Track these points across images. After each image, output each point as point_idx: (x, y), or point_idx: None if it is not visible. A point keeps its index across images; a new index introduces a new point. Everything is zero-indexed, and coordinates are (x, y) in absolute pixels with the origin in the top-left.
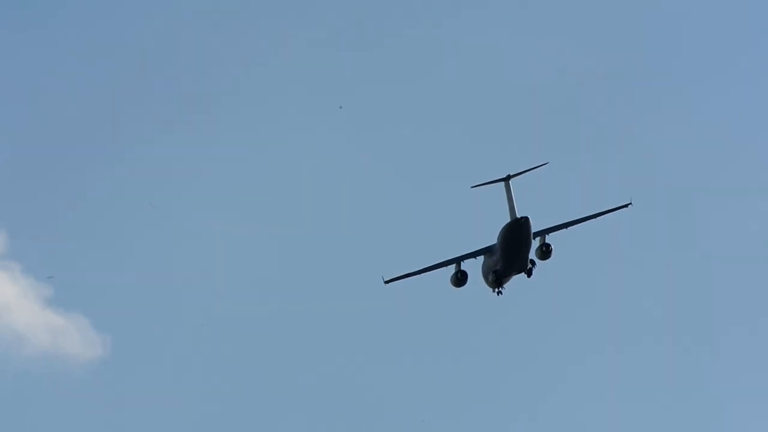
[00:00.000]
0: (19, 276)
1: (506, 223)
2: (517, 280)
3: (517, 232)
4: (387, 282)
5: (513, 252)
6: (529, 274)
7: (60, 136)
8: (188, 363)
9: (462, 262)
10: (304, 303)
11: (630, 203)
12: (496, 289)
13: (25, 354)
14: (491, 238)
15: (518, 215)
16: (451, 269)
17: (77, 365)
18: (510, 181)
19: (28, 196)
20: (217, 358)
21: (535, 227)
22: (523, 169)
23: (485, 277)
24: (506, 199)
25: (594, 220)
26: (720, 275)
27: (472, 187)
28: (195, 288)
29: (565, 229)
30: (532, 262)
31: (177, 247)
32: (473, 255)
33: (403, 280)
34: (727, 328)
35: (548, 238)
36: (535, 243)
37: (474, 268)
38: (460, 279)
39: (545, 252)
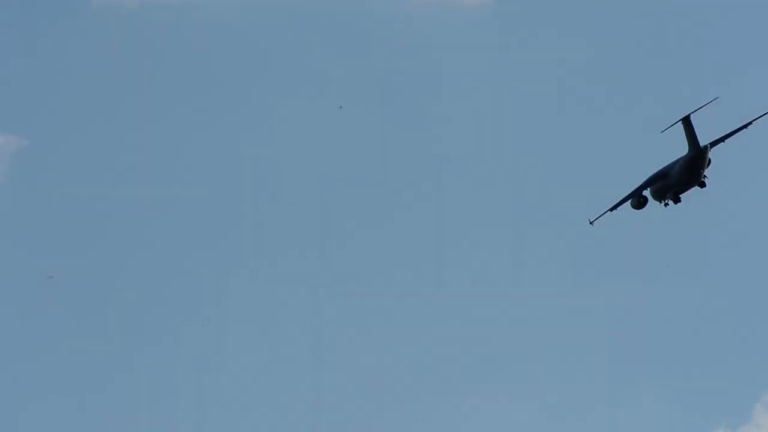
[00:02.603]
0: None
1: (691, 153)
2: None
3: (700, 160)
4: (592, 222)
5: (694, 174)
6: (703, 185)
7: None
8: None
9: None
10: None
11: None
12: (663, 202)
13: None
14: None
15: (701, 144)
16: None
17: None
18: (690, 118)
19: None
20: None
21: None
22: (698, 107)
23: (661, 195)
24: (685, 134)
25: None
26: None
27: (662, 131)
28: None
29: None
30: (704, 175)
31: None
32: (653, 182)
33: (603, 216)
34: None
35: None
36: None
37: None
38: (641, 203)
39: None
